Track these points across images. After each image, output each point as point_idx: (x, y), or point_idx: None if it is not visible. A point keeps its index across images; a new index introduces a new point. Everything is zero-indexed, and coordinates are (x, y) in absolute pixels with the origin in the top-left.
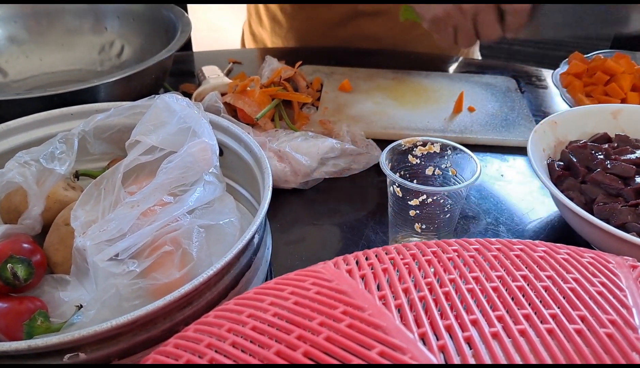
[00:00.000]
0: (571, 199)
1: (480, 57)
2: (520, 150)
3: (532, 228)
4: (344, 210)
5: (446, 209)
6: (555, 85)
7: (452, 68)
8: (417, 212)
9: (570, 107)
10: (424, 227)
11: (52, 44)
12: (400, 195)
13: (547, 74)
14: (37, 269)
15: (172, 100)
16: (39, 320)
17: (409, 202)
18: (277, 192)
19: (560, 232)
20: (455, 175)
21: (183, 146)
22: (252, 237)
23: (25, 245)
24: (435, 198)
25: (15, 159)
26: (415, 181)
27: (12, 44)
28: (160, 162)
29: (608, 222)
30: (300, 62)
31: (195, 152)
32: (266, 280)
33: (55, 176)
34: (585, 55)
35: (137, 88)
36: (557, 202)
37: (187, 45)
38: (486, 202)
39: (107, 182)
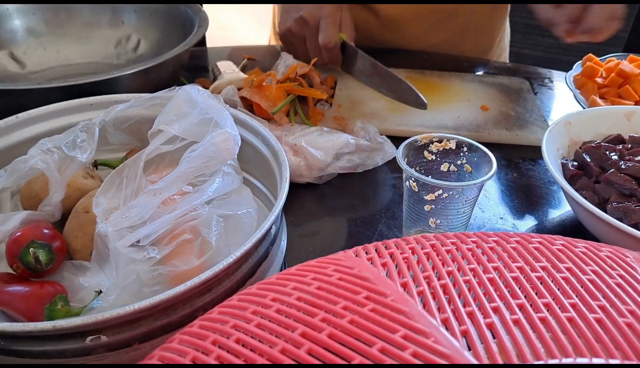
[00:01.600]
0: (585, 198)
1: (508, 61)
2: (533, 151)
3: (545, 227)
4: (357, 205)
5: (461, 205)
6: (568, 86)
7: (466, 68)
8: (433, 207)
9: (584, 108)
10: (438, 222)
11: (69, 36)
12: (416, 190)
13: (558, 76)
14: (57, 255)
15: (193, 91)
16: (59, 304)
17: (424, 197)
18: (292, 186)
19: (572, 231)
20: (471, 172)
21: (205, 136)
22: (270, 228)
23: (46, 231)
24: (450, 193)
25: (38, 146)
26: (430, 177)
27: (30, 35)
28: (181, 152)
29: (621, 221)
30: (315, 59)
31: (219, 142)
32: (281, 271)
33: (76, 164)
34: (599, 58)
35: (154, 81)
36: (571, 201)
37: (202, 41)
38: (499, 200)
39: (129, 170)
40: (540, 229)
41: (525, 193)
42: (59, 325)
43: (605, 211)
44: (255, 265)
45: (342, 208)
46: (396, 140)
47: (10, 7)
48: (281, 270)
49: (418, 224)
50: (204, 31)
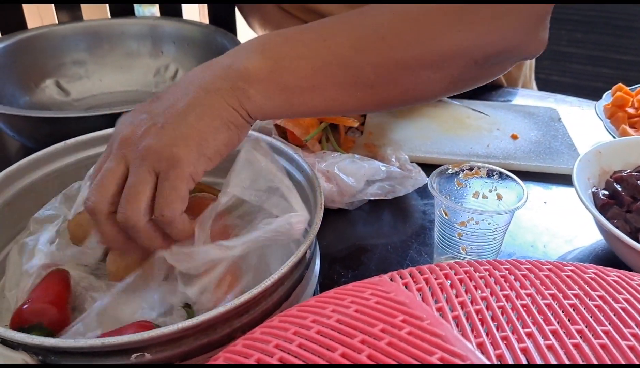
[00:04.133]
0: (616, 227)
1: (536, 87)
2: (563, 179)
3: (576, 256)
4: (388, 231)
5: (491, 232)
6: (598, 115)
7: (495, 96)
8: (463, 234)
9: (614, 137)
10: (469, 248)
11: (111, 66)
12: (447, 217)
13: (587, 105)
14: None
15: (256, 153)
16: None
17: (455, 224)
18: (324, 212)
19: (604, 260)
20: (501, 200)
21: (283, 215)
22: (305, 252)
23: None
24: (481, 220)
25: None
26: (461, 204)
27: (75, 65)
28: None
29: None
30: None
31: (294, 222)
32: (314, 295)
33: None
34: (628, 88)
35: None
36: (603, 230)
37: None
38: (529, 228)
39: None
40: (571, 258)
41: (556, 222)
42: (107, 342)
43: (637, 240)
44: (291, 288)
45: (372, 234)
46: (426, 167)
47: (58, 37)
48: (315, 294)
49: (449, 251)
50: None
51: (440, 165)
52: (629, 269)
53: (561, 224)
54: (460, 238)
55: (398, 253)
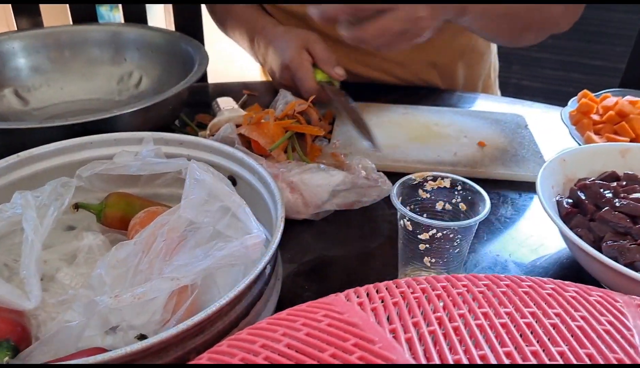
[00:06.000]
0: (580, 237)
1: (499, 93)
2: (530, 186)
3: (542, 264)
4: (354, 242)
5: (456, 244)
6: (564, 122)
7: (462, 103)
8: (427, 246)
9: (579, 145)
10: (433, 260)
11: (73, 73)
12: (411, 229)
13: (555, 111)
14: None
15: (201, 175)
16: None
17: (419, 236)
18: (289, 223)
19: (569, 268)
20: (466, 210)
21: (238, 237)
22: (264, 268)
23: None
24: (445, 232)
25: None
26: (425, 215)
27: (36, 73)
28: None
29: (616, 261)
30: (313, 97)
31: (250, 245)
32: (277, 310)
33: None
34: (594, 94)
35: (154, 118)
36: (566, 239)
37: (203, 76)
38: (496, 237)
39: (144, 242)
40: (537, 266)
41: (522, 230)
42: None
43: (599, 249)
44: (249, 305)
45: (338, 245)
46: (394, 176)
47: (16, 45)
48: (277, 310)
49: (413, 262)
50: (203, 69)
51: (407, 174)
52: (593, 277)
53: (527, 232)
54: (423, 250)
55: (363, 265)
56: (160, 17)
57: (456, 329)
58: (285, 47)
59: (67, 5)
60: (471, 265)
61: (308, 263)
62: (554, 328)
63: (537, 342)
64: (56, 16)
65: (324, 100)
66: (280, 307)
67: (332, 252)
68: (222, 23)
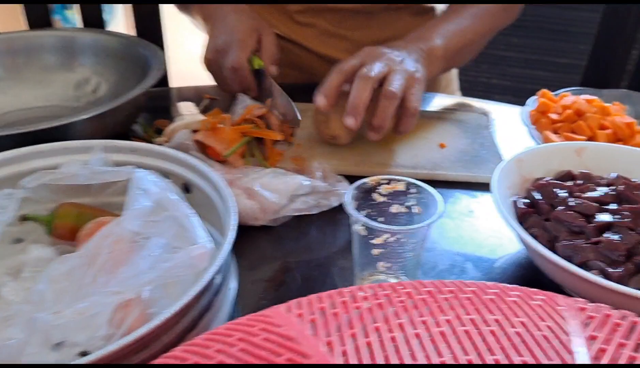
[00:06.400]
0: (535, 237)
1: (460, 93)
2: (489, 187)
3: (500, 265)
4: (313, 248)
5: (410, 248)
6: (523, 122)
7: (425, 105)
8: (381, 251)
9: (538, 144)
10: (388, 265)
11: (29, 80)
12: (364, 234)
13: (518, 110)
14: None
15: (146, 184)
16: None
17: (371, 242)
18: (246, 229)
19: (527, 268)
20: (420, 214)
21: (183, 249)
22: (212, 279)
23: None
24: (398, 237)
25: None
26: (381, 219)
27: None
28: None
29: (571, 260)
30: (270, 99)
31: (196, 256)
32: (231, 319)
33: None
34: (553, 92)
35: (110, 125)
36: (522, 240)
37: (164, 80)
38: (454, 238)
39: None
40: (496, 268)
41: (481, 231)
42: None
43: (553, 249)
44: (197, 317)
45: (297, 251)
46: (356, 179)
47: None
48: (231, 319)
49: (368, 268)
50: (159, 75)
51: (367, 177)
52: (549, 279)
53: (486, 233)
54: (378, 255)
55: (322, 271)
56: (121, 21)
57: (393, 339)
58: (238, 22)
59: (20, 11)
60: (429, 267)
61: (266, 271)
62: (492, 335)
63: (475, 350)
64: (8, 22)
65: (244, 87)
66: (236, 316)
67: (291, 258)
68: (186, 6)
